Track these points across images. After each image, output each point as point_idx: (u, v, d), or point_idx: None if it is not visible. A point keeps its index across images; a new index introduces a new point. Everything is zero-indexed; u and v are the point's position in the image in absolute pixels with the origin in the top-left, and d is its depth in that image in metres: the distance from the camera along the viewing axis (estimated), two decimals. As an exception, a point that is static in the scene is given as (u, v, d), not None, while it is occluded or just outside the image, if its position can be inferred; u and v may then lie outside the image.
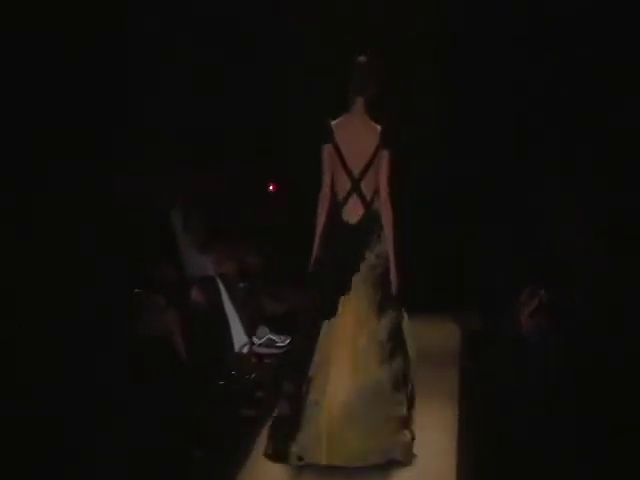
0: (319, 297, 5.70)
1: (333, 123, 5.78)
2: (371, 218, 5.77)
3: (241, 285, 8.09)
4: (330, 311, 5.60)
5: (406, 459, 5.62)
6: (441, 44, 9.59)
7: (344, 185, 5.76)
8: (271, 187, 9.73)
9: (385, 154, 5.75)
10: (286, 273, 8.35)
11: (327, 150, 5.76)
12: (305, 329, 5.72)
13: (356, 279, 5.70)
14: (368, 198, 5.76)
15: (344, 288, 5.65)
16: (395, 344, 5.68)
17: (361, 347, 5.61)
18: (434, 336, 8.32)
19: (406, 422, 5.67)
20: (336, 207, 5.76)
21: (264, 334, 8.05)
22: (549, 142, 8.90)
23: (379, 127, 5.77)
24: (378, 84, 5.78)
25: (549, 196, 8.18)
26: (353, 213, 5.77)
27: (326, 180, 5.78)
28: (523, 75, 9.26)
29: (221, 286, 7.68)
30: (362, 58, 5.81)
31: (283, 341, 7.93)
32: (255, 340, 7.95)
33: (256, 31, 9.35)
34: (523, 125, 9.27)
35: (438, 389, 6.85)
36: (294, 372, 5.69)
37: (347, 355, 5.58)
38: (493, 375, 6.98)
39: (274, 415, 5.74)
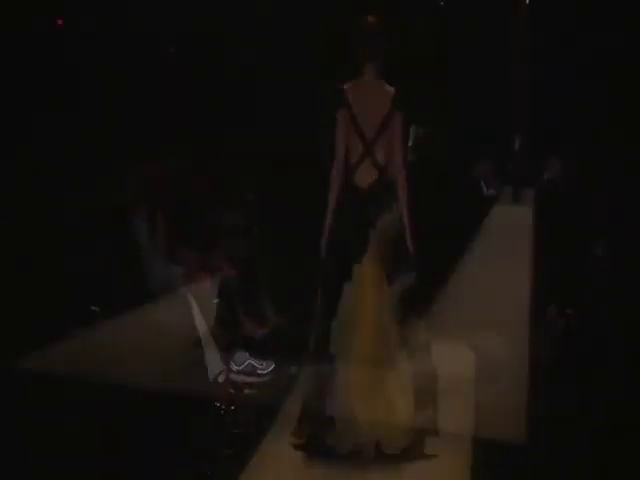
0: (333, 265, 5.91)
1: (345, 86, 5.94)
2: (384, 183, 5.96)
3: (215, 301, 7.65)
4: (344, 278, 5.83)
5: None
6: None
7: (357, 149, 5.96)
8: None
9: (398, 117, 5.92)
10: (268, 287, 8.05)
11: (341, 113, 5.92)
12: (323, 300, 5.90)
13: (369, 243, 5.87)
14: (381, 162, 5.96)
15: (357, 253, 5.85)
16: (407, 309, 5.82)
17: (378, 311, 5.82)
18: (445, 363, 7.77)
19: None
20: (348, 172, 5.97)
21: (243, 360, 7.49)
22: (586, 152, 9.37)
23: (393, 90, 5.95)
24: (391, 47, 5.92)
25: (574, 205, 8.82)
26: (366, 177, 5.97)
27: (339, 148, 5.95)
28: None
29: (192, 302, 7.45)
30: (371, 18, 5.90)
31: (265, 368, 7.49)
32: (233, 367, 7.46)
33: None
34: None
35: (450, 426, 6.33)
36: (317, 346, 5.89)
37: (366, 321, 5.81)
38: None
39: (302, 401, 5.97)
